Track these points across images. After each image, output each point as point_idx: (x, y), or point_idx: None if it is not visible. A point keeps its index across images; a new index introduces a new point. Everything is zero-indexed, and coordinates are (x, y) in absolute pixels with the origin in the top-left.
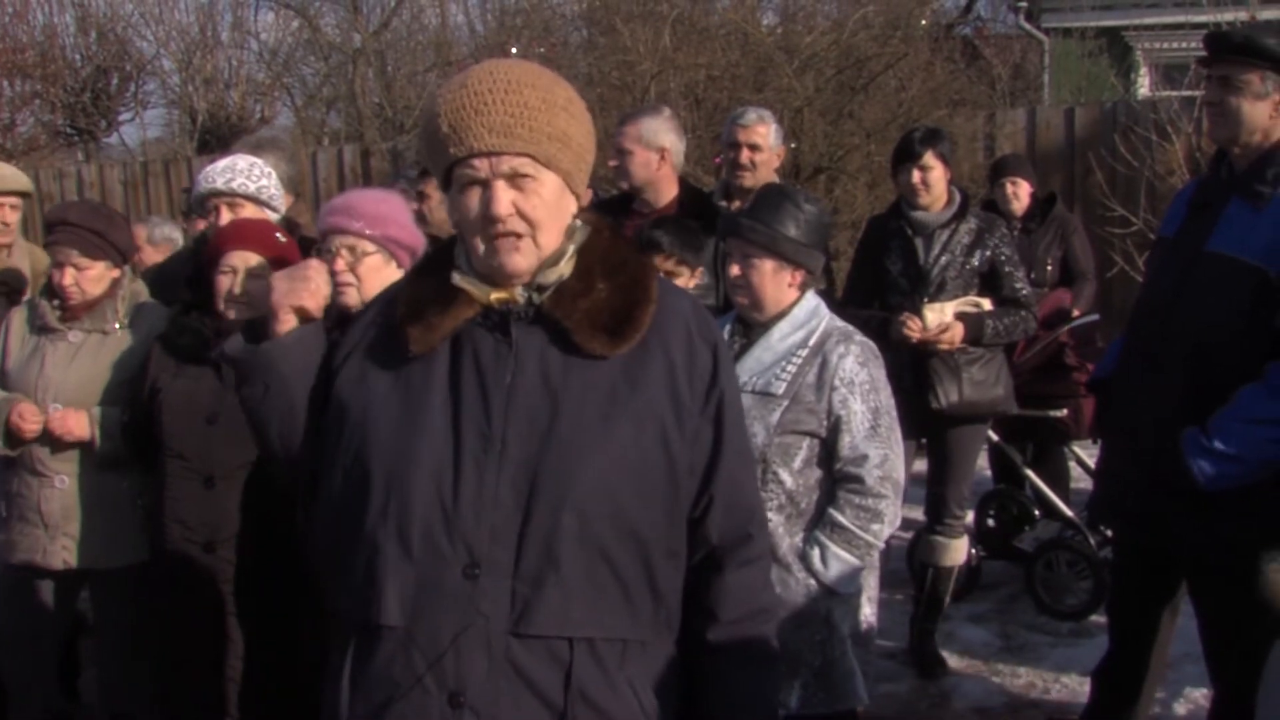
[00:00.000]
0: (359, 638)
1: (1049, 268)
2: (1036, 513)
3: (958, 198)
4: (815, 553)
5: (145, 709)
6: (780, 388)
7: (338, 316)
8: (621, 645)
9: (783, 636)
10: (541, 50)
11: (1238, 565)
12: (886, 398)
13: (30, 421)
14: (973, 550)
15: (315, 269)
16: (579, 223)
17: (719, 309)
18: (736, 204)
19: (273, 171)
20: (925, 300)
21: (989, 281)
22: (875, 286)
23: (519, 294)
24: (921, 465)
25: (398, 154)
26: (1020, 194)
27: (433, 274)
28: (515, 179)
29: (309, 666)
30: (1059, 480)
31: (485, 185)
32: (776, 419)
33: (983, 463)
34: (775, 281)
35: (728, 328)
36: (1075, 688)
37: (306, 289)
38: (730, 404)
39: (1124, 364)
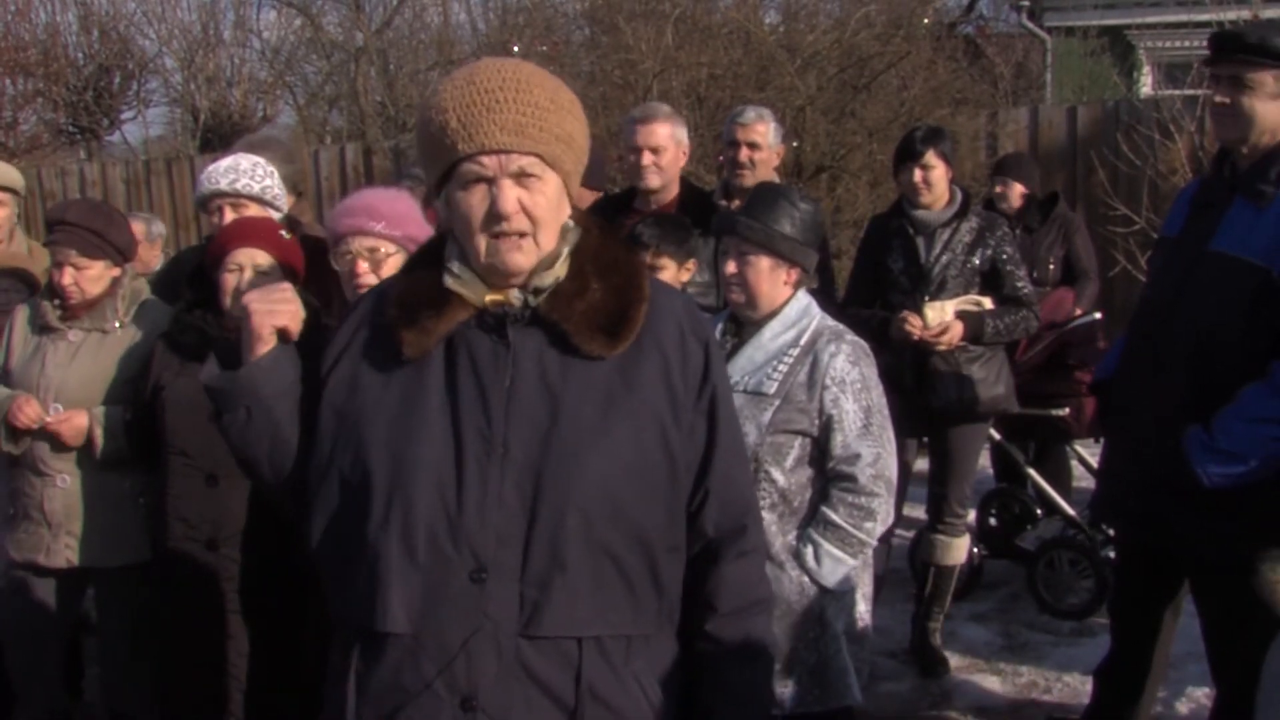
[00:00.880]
0: (363, 645)
1: (1051, 267)
2: (1038, 511)
3: (959, 197)
4: (808, 550)
5: (146, 708)
6: (772, 387)
7: None
8: (626, 641)
9: (777, 635)
10: (544, 49)
11: (1240, 564)
12: (878, 396)
13: (27, 413)
14: (974, 549)
15: (288, 289)
16: (571, 224)
17: (720, 309)
18: (736, 203)
19: (275, 171)
20: (926, 299)
21: (990, 280)
22: (877, 285)
23: (514, 296)
24: (923, 464)
25: (400, 152)
26: (1010, 195)
27: (421, 274)
28: (521, 178)
29: (313, 665)
30: (1061, 479)
31: (491, 183)
32: (768, 418)
33: (984, 461)
34: (771, 279)
35: (719, 327)
36: (1077, 687)
37: (288, 310)
38: (723, 399)
39: (1126, 363)
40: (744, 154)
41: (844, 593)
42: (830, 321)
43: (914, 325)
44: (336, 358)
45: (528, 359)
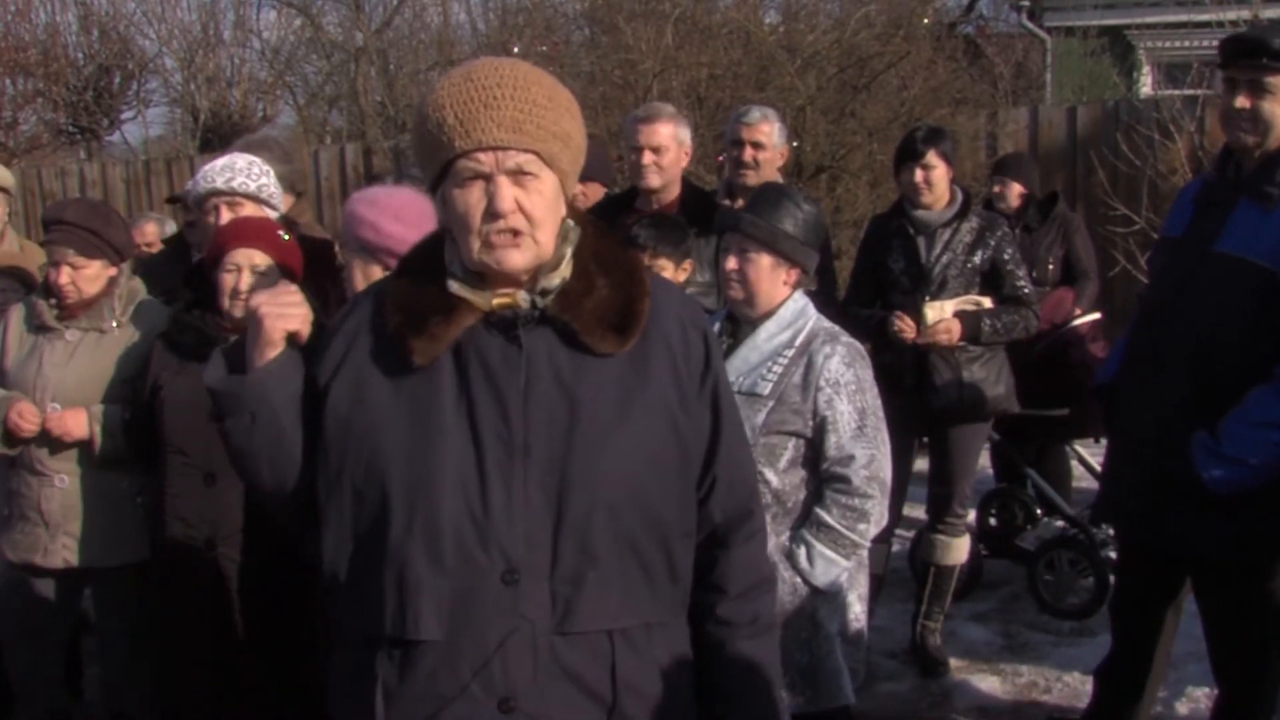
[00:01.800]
0: (391, 654)
1: (1051, 267)
2: (1039, 511)
3: (960, 197)
4: (801, 551)
5: (146, 708)
6: (766, 388)
7: None
8: (648, 629)
9: None
10: (543, 49)
11: (1241, 564)
12: (873, 398)
13: (28, 421)
14: (975, 549)
15: (296, 291)
16: (570, 223)
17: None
18: (739, 202)
19: (271, 170)
20: (926, 299)
21: (990, 280)
22: (877, 285)
23: (521, 298)
24: (923, 464)
25: (400, 152)
26: (1008, 194)
27: (420, 277)
28: (518, 176)
29: (313, 665)
30: (1061, 479)
31: (488, 180)
32: (762, 419)
33: (984, 461)
34: (771, 277)
35: (715, 326)
36: (1077, 687)
37: (299, 314)
38: (724, 385)
39: (1127, 364)
40: (748, 154)
41: (837, 594)
42: (826, 323)
43: (905, 326)
44: (337, 366)
45: (540, 360)
